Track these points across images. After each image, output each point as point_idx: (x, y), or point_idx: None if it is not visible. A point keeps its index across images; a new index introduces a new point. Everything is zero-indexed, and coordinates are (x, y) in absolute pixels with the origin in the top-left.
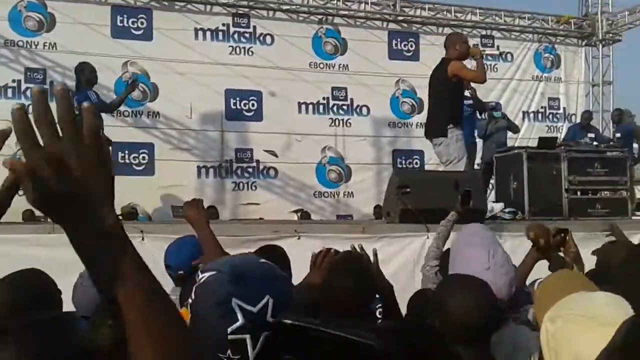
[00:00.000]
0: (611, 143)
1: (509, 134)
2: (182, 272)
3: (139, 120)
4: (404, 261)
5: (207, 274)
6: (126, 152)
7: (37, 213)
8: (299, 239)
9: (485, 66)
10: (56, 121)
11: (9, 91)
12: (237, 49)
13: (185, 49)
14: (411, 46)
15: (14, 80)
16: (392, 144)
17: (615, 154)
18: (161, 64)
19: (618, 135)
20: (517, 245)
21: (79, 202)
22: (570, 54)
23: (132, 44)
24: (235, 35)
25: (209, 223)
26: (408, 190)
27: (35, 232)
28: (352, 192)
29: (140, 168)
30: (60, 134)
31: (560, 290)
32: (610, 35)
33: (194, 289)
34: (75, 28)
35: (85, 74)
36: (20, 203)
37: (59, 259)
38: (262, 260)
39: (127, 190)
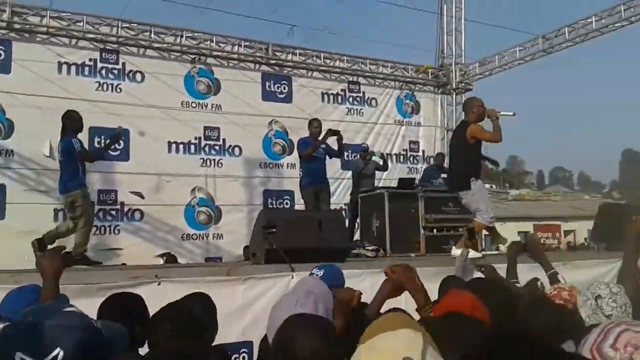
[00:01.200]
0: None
1: (378, 173)
2: None
3: None
4: (268, 303)
5: (1, 325)
6: None
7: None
8: (159, 284)
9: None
10: None
11: None
12: (105, 85)
13: (47, 83)
14: (284, 88)
15: None
16: (263, 184)
17: None
18: (19, 99)
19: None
20: (378, 282)
21: None
22: (428, 101)
23: None
24: (103, 71)
25: (60, 272)
26: (274, 230)
27: None
28: (222, 234)
29: None
30: None
31: (379, 329)
32: (463, 84)
33: None
34: None
35: (72, 121)
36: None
37: None
38: (70, 309)
39: None
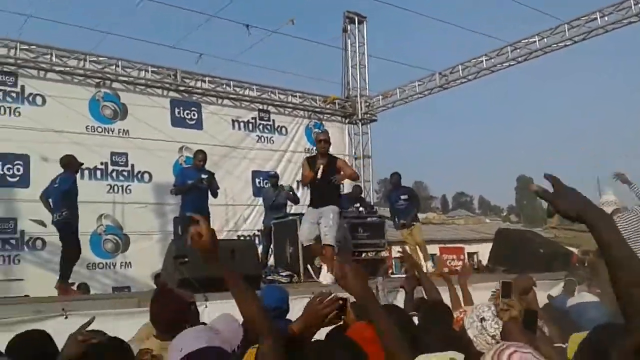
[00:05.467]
0: (375, 209)
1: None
2: None
3: None
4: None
5: None
6: None
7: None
8: (66, 318)
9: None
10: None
11: None
12: (2, 109)
13: None
14: (194, 115)
15: None
16: (174, 211)
17: (374, 219)
18: None
19: (405, 197)
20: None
21: None
22: (336, 130)
23: None
24: (0, 94)
25: None
26: (186, 259)
27: None
28: (130, 262)
29: None
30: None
31: None
32: (368, 115)
33: None
34: None
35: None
36: None
37: None
38: None
39: None
